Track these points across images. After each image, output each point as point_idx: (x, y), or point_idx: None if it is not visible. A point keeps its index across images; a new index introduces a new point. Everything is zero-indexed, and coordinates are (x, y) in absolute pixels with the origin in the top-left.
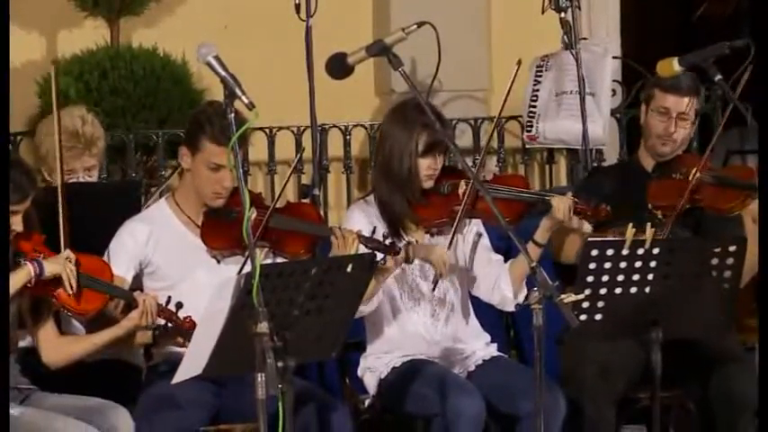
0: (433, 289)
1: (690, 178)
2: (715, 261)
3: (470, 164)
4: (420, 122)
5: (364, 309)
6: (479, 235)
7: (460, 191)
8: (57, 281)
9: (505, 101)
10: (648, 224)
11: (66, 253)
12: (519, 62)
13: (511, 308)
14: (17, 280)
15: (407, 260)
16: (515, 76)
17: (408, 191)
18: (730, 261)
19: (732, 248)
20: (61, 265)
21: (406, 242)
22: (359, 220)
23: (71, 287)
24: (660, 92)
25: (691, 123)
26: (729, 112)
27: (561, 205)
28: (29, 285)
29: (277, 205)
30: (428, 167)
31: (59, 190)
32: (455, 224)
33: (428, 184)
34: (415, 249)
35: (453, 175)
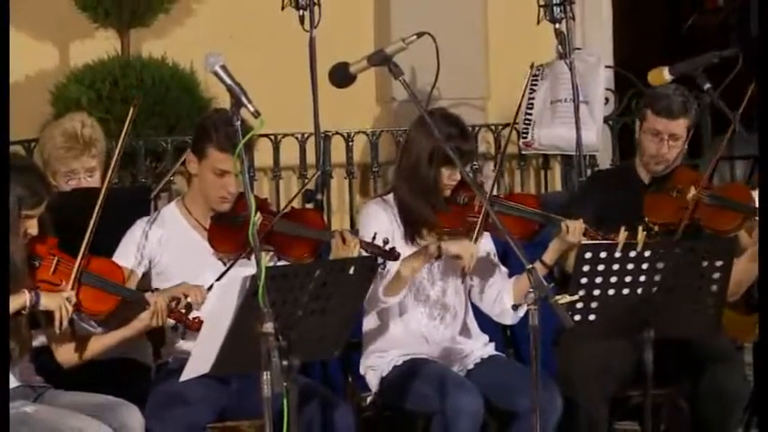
0: (462, 281)
1: (687, 198)
2: (705, 263)
3: (468, 169)
4: (445, 132)
5: (392, 300)
6: (490, 250)
7: (476, 203)
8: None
9: (520, 106)
10: (641, 227)
11: (69, 293)
12: (532, 65)
13: (509, 321)
14: (12, 306)
15: (439, 255)
16: (529, 79)
17: (432, 197)
18: (719, 263)
19: (722, 251)
20: (58, 302)
21: (438, 238)
22: (378, 215)
23: (60, 326)
24: (652, 114)
25: (682, 142)
26: (718, 120)
27: (572, 229)
28: (23, 312)
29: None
30: (448, 177)
31: (102, 194)
32: (475, 235)
33: (446, 193)
34: (446, 245)
35: (469, 188)
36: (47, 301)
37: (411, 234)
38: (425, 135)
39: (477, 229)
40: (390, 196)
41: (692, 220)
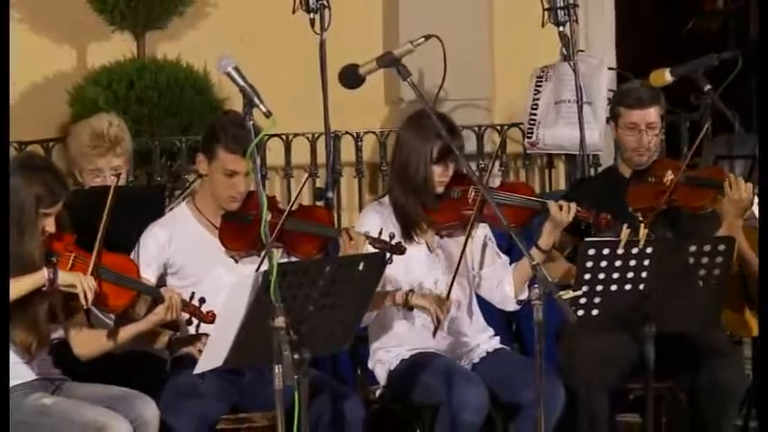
0: (434, 336)
1: (665, 181)
2: (705, 260)
3: (474, 168)
4: (434, 132)
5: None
6: (487, 237)
7: (470, 196)
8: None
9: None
10: (642, 225)
11: (90, 277)
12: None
13: (511, 307)
14: (29, 282)
15: (406, 306)
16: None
17: (423, 195)
18: (719, 260)
19: (721, 248)
20: (78, 278)
21: (409, 290)
22: (373, 221)
23: (86, 300)
24: (625, 109)
25: (658, 129)
26: (718, 120)
27: (561, 209)
28: (44, 289)
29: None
30: (440, 174)
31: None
32: (467, 230)
33: (439, 189)
34: (414, 297)
35: (462, 182)
36: (66, 278)
37: (408, 232)
38: (415, 135)
39: (470, 222)
40: (386, 198)
41: (670, 202)
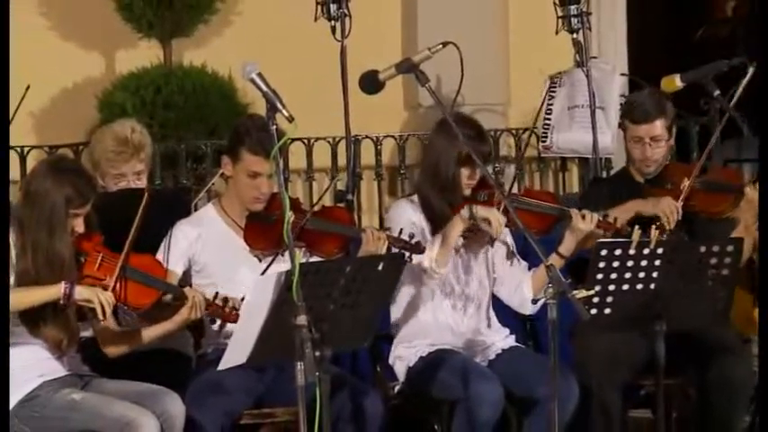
0: (491, 245)
1: (681, 187)
2: (714, 260)
3: (490, 171)
4: (464, 135)
5: (443, 271)
6: (507, 242)
7: (496, 200)
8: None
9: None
10: (653, 226)
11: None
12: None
13: (528, 311)
14: (42, 295)
15: (471, 217)
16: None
17: (450, 195)
18: (728, 260)
19: (729, 249)
20: (95, 293)
21: (471, 206)
22: (406, 211)
23: (103, 314)
24: (631, 123)
25: (666, 140)
26: (727, 124)
27: (584, 218)
28: (60, 302)
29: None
30: (468, 177)
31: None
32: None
33: (467, 191)
34: (477, 208)
35: (490, 185)
36: (82, 291)
37: (436, 230)
38: (445, 138)
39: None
40: (416, 196)
41: (688, 208)
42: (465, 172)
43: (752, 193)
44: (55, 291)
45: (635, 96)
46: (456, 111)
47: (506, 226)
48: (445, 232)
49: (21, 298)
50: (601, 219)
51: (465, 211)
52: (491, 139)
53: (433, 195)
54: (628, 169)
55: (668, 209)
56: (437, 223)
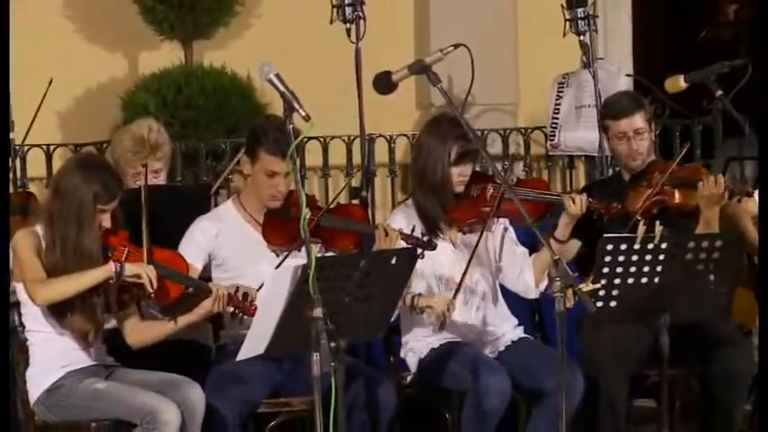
0: (440, 330)
1: (653, 183)
2: (716, 255)
3: (499, 168)
4: (452, 135)
5: None
6: (506, 230)
7: (488, 194)
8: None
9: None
10: (658, 222)
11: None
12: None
13: (533, 295)
14: (98, 275)
15: (413, 308)
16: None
17: (442, 196)
18: (729, 255)
19: (731, 243)
20: (142, 268)
21: (414, 295)
22: (400, 222)
23: (151, 286)
24: (611, 121)
25: (648, 132)
26: (729, 124)
27: (575, 202)
28: (111, 281)
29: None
30: (459, 175)
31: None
32: (484, 224)
33: (459, 189)
34: (419, 299)
35: (481, 180)
36: (131, 268)
37: (431, 231)
38: (433, 139)
39: (489, 216)
40: (410, 200)
41: (661, 203)
42: (456, 170)
43: (706, 186)
44: (107, 269)
45: (611, 97)
46: (445, 112)
47: (504, 216)
48: None
49: (72, 282)
50: (590, 200)
51: (408, 301)
52: (501, 137)
53: (424, 198)
54: (619, 171)
55: (441, 309)
56: (433, 225)
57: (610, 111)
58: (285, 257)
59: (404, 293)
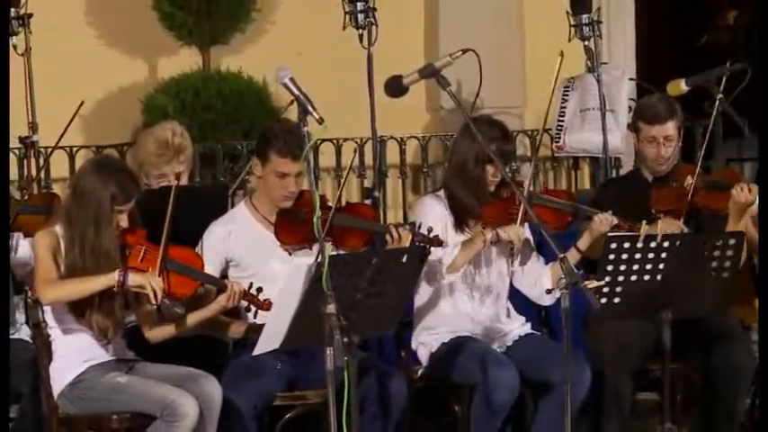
0: (512, 262)
1: (685, 185)
2: (717, 253)
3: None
4: (489, 136)
5: (451, 278)
6: (527, 238)
7: (517, 197)
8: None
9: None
10: (659, 221)
11: (157, 278)
12: (561, 53)
13: (547, 302)
14: (99, 284)
15: (494, 239)
16: (559, 66)
17: (477, 190)
18: (730, 253)
19: (732, 242)
20: (146, 279)
21: (483, 228)
22: (434, 206)
23: (155, 299)
24: (644, 124)
25: (676, 140)
26: (729, 126)
27: (603, 221)
28: (114, 290)
29: (338, 207)
30: (492, 174)
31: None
32: (517, 223)
33: (491, 187)
34: (500, 231)
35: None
36: (134, 278)
37: (460, 224)
38: (471, 138)
39: (518, 220)
40: (441, 192)
41: (692, 205)
42: (490, 170)
43: (740, 193)
44: (109, 278)
45: (648, 100)
46: (483, 114)
47: (526, 221)
48: (466, 247)
49: (78, 287)
50: (617, 222)
51: (490, 235)
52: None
53: (460, 191)
54: (638, 169)
55: (517, 235)
56: (463, 216)
57: (645, 114)
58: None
59: (478, 233)
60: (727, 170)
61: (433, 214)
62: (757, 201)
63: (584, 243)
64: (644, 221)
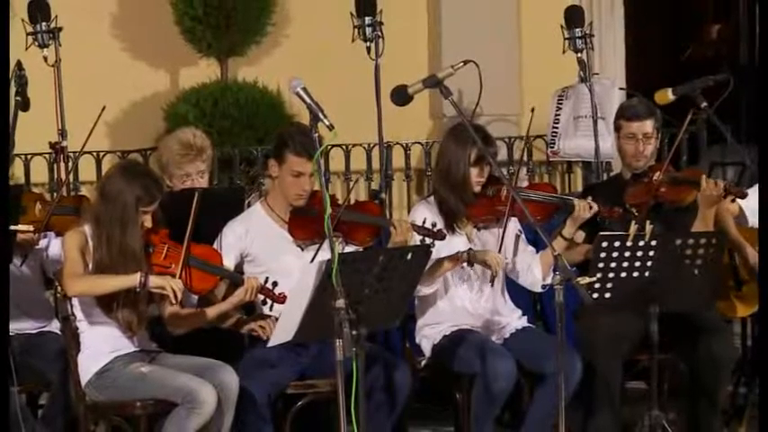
0: (491, 285)
1: (653, 180)
2: (700, 251)
3: (505, 173)
4: (472, 140)
5: (426, 291)
6: (520, 232)
7: (502, 194)
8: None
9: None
10: (647, 221)
11: (176, 279)
12: (533, 109)
13: (539, 289)
14: (122, 282)
15: (470, 263)
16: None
17: (462, 193)
18: (712, 251)
19: (714, 241)
20: (166, 281)
21: (469, 249)
22: (424, 212)
23: (175, 299)
24: (625, 121)
25: (654, 139)
26: (712, 132)
27: (584, 207)
28: (137, 290)
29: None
30: (477, 175)
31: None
32: (504, 223)
33: (477, 188)
34: (475, 254)
35: (497, 183)
36: (155, 280)
37: (450, 225)
38: (455, 143)
39: (505, 215)
40: (432, 197)
41: (657, 198)
42: (474, 171)
43: (707, 186)
44: (132, 279)
45: (628, 101)
46: (464, 121)
47: (513, 216)
48: (436, 264)
49: (103, 283)
50: (599, 207)
51: (464, 255)
52: (506, 145)
53: (447, 195)
54: (619, 173)
55: (495, 261)
56: (453, 219)
57: (625, 113)
58: (317, 252)
59: (460, 253)
60: (694, 169)
61: (424, 217)
62: (742, 201)
63: (568, 230)
64: (633, 222)
